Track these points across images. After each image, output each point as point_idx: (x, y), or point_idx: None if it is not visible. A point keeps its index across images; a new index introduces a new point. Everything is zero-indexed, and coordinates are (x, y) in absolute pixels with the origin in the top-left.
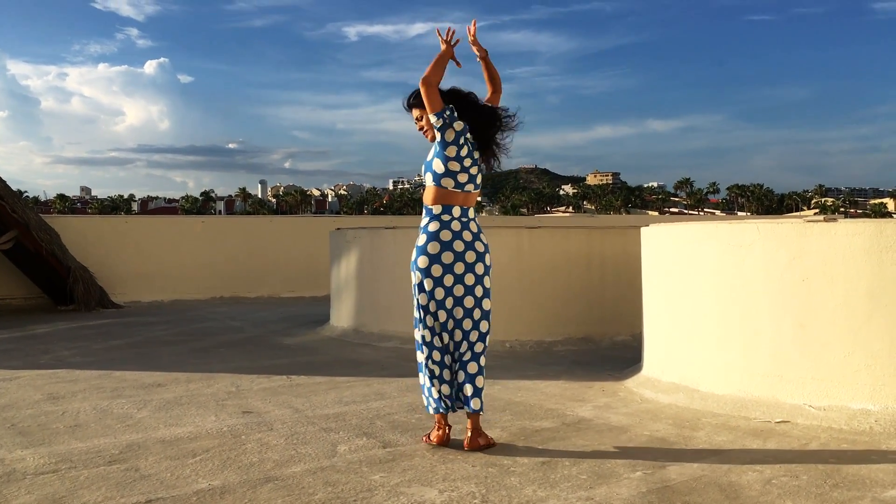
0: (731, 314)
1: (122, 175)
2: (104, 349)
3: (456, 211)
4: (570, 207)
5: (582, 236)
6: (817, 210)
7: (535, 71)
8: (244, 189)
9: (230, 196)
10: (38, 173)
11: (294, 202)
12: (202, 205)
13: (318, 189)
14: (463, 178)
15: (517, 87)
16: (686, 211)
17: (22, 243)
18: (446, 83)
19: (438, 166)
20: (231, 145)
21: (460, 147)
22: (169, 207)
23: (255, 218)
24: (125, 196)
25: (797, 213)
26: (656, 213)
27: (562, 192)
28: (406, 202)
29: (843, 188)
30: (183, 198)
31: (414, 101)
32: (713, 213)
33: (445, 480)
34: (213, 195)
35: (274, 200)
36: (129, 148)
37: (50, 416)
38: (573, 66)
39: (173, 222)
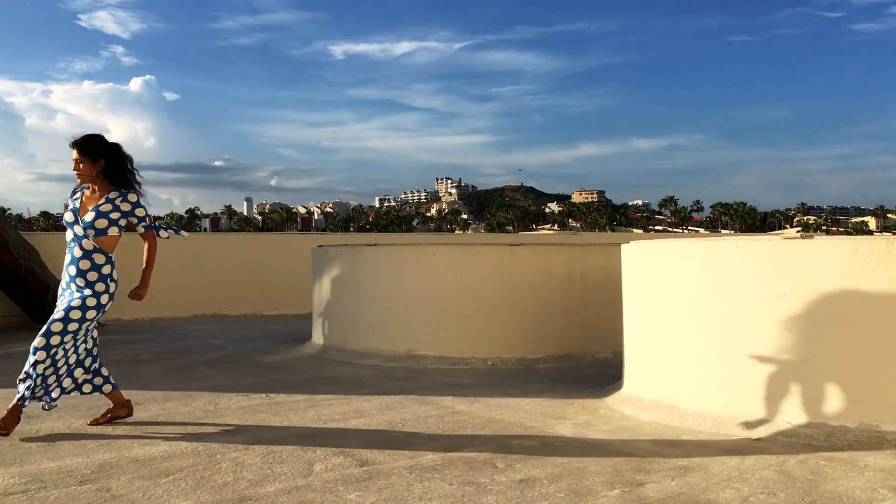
0: (710, 331)
1: None
2: None
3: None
4: (556, 225)
5: (564, 254)
6: (799, 228)
7: (519, 90)
8: (230, 206)
9: (216, 213)
10: (21, 190)
11: (280, 220)
12: (187, 222)
13: (304, 206)
14: None
15: (502, 105)
16: (670, 229)
17: (1, 261)
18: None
19: (115, 225)
20: (217, 163)
21: None
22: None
23: (238, 235)
24: None
25: (779, 231)
26: (641, 231)
27: (547, 210)
28: (392, 219)
29: (824, 206)
30: (168, 215)
31: (77, 143)
32: (697, 231)
33: (422, 500)
34: (198, 212)
35: (260, 218)
36: None
37: (23, 435)
38: (557, 85)
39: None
